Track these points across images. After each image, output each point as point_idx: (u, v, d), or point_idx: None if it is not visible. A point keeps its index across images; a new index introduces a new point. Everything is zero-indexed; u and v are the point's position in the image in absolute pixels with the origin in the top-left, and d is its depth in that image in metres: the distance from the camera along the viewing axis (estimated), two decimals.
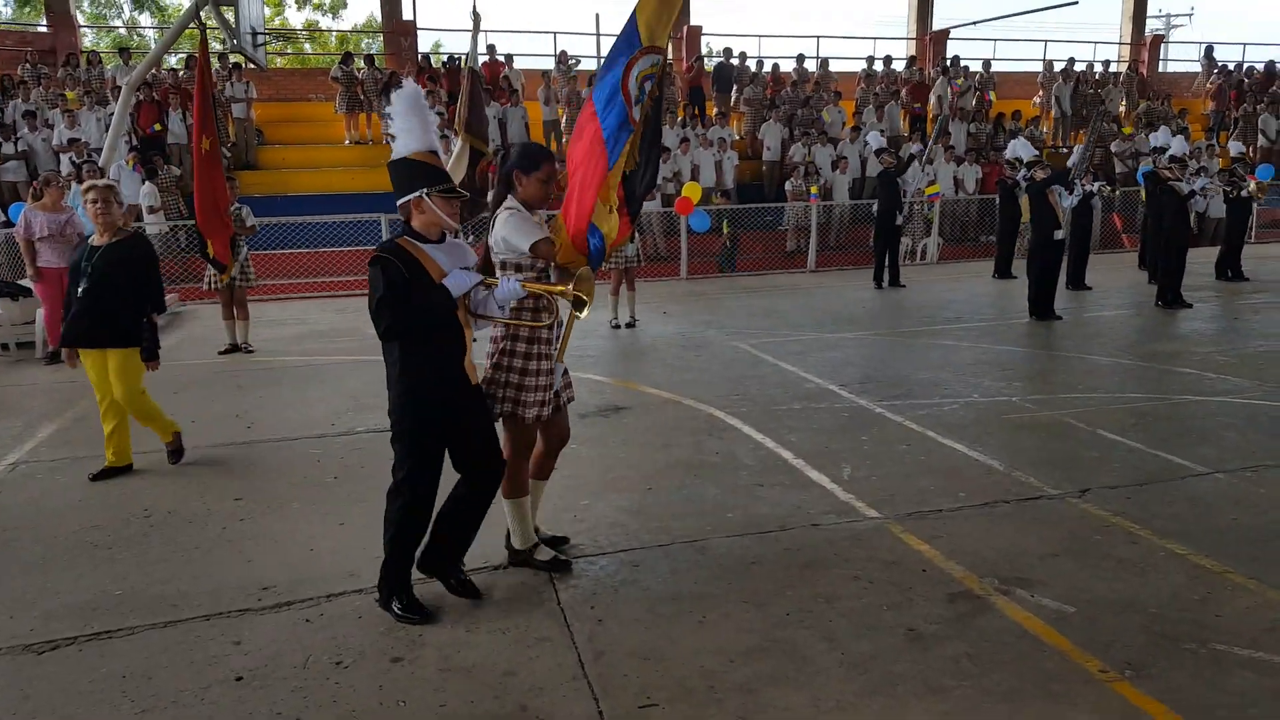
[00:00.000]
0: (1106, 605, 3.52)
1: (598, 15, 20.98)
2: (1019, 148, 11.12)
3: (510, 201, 3.67)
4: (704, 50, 21.05)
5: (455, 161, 8.49)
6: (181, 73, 16.65)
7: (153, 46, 20.50)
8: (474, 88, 8.51)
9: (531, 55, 20.42)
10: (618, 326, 9.48)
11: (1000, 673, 3.08)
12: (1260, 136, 18.79)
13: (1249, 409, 6.13)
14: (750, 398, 6.59)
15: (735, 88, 18.85)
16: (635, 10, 4.01)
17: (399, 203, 3.37)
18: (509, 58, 18.02)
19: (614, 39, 4.05)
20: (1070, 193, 9.57)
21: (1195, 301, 10.10)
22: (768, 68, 19.37)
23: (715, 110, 18.29)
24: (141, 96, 14.13)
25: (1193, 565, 3.85)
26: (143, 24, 30.62)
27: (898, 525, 4.33)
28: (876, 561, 3.95)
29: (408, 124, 3.34)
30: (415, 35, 19.17)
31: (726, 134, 16.92)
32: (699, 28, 21.30)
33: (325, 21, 33.03)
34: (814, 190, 14.87)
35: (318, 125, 17.55)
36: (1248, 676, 3.03)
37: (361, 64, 17.31)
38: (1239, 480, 4.80)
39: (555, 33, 20.64)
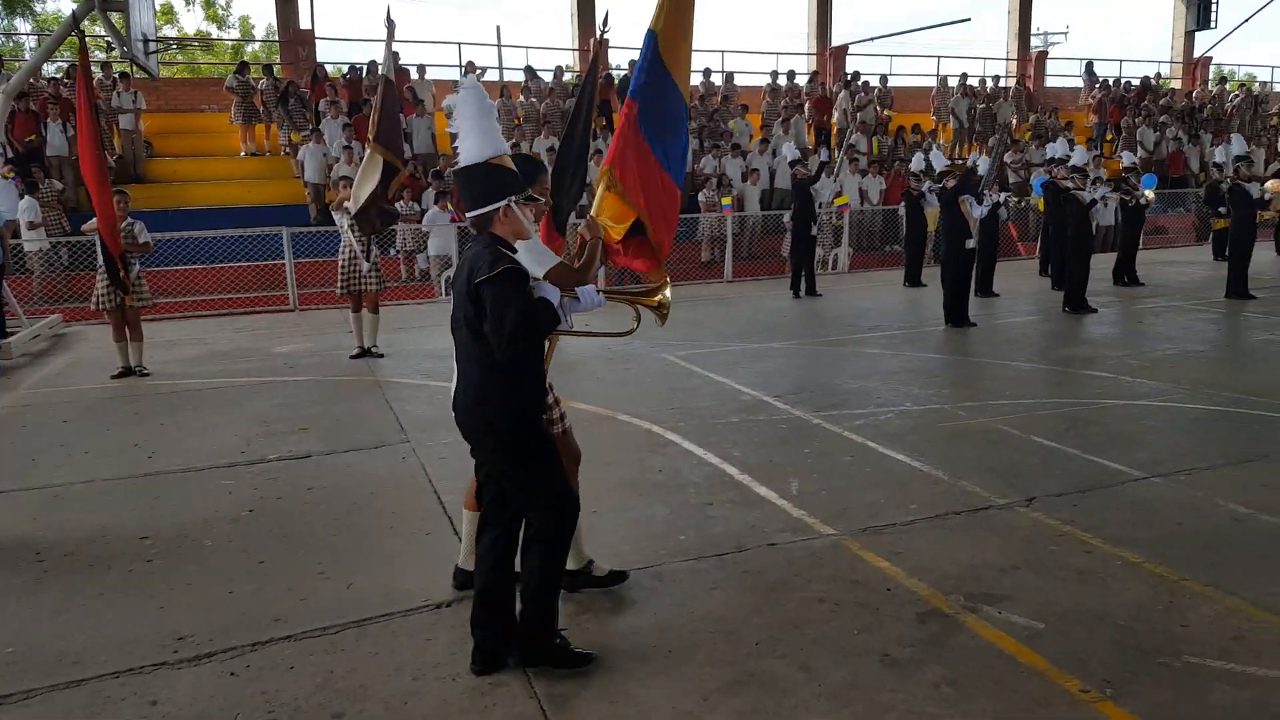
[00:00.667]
0: (1075, 620, 3.46)
1: (499, 28, 20.77)
2: (934, 159, 11.33)
3: None
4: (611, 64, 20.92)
5: (364, 175, 8.11)
6: (63, 82, 15.61)
7: (29, 54, 19.21)
8: (387, 98, 8.13)
9: (438, 66, 19.92)
10: None
11: (984, 698, 2.97)
12: (1139, 148, 19.76)
13: (1169, 411, 6.28)
14: (686, 411, 6.43)
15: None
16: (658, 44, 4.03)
17: (478, 213, 3.06)
18: (420, 68, 17.56)
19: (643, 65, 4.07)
20: (980, 203, 9.77)
21: (1098, 306, 10.43)
22: None
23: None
24: (18, 107, 13.15)
25: (1150, 574, 3.83)
26: (20, 31, 28.81)
27: (854, 542, 4.22)
28: (840, 581, 3.82)
29: (482, 126, 3.06)
30: (313, 44, 18.48)
31: None
32: (606, 40, 21.17)
33: (219, 31, 31.74)
34: (727, 201, 14.90)
35: (212, 137, 16.71)
36: (1226, 690, 2.99)
37: (259, 73, 16.58)
38: (1175, 484, 4.86)
39: (460, 43, 20.29)
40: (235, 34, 32.61)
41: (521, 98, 17.20)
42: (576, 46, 21.54)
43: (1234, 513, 4.45)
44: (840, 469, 5.21)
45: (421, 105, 16.17)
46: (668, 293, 3.34)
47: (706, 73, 19.79)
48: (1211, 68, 26.50)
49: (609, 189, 4.05)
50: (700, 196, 15.64)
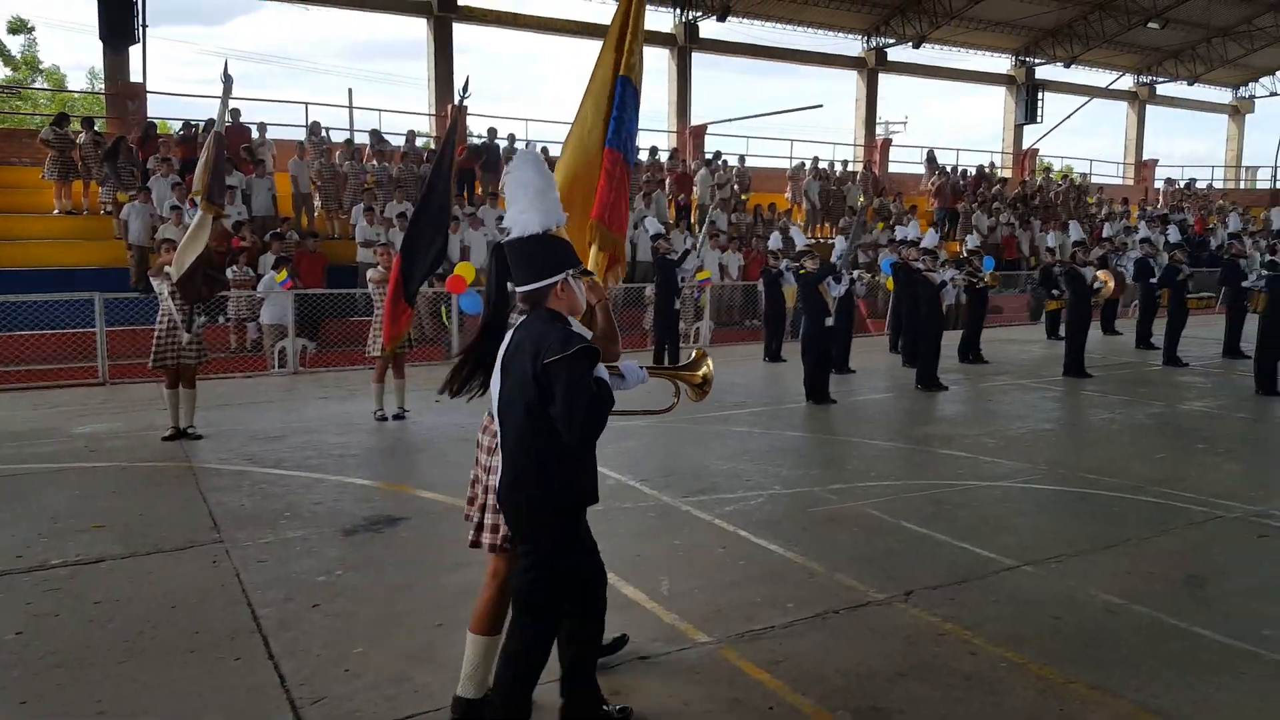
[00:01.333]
0: None
1: (350, 90, 20.23)
2: (795, 237, 11.44)
3: None
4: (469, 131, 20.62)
5: (190, 237, 7.37)
6: None
7: None
8: (218, 153, 7.49)
9: (283, 125, 19.06)
10: (384, 419, 8.55)
11: None
12: (975, 232, 20.90)
13: (1029, 493, 6.28)
14: None
15: (505, 169, 18.51)
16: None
17: (535, 286, 2.90)
18: (261, 126, 16.69)
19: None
20: (838, 282, 9.87)
21: (949, 384, 10.65)
22: (537, 150, 19.23)
23: (482, 190, 17.85)
24: None
25: (1036, 677, 3.62)
26: None
27: (732, 650, 3.84)
28: (719, 702, 3.42)
29: (543, 196, 2.93)
30: (144, 98, 17.28)
31: (499, 214, 16.47)
32: (465, 108, 20.91)
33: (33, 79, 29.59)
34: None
35: (20, 192, 15.19)
36: None
37: (79, 126, 15.30)
38: (1048, 573, 4.75)
39: (307, 103, 19.54)
40: (44, 83, 30.53)
41: (374, 162, 16.57)
42: (433, 112, 21.17)
43: (1108, 604, 4.34)
44: (712, 562, 4.85)
45: (262, 165, 15.32)
46: (710, 365, 3.20)
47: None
48: (1037, 159, 28.65)
49: (601, 247, 3.95)
50: None
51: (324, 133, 17.03)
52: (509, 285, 3.09)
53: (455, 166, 17.86)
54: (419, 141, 17.73)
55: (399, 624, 4.09)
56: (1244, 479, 6.54)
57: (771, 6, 23.84)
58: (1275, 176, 32.11)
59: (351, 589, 4.46)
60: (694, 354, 3.20)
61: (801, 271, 10.16)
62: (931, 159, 24.46)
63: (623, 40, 4.18)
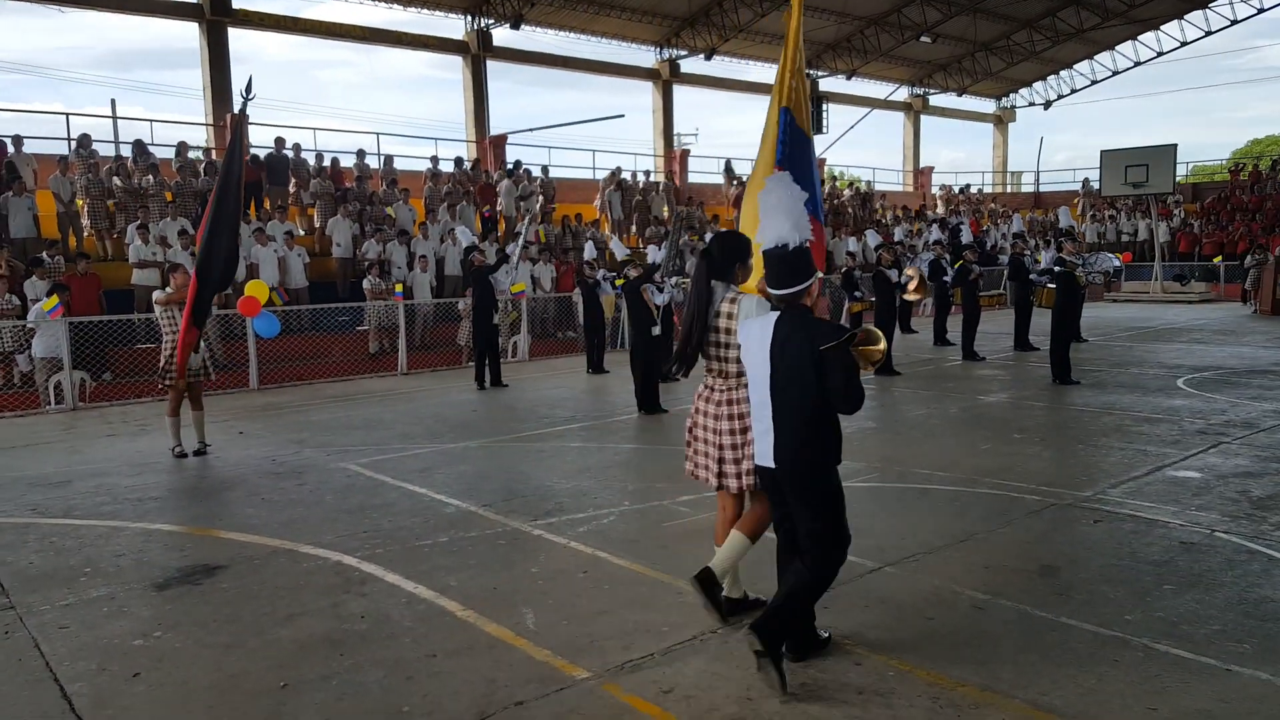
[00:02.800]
0: None
1: (114, 100, 18.29)
2: (615, 248, 11.30)
3: (731, 291, 3.90)
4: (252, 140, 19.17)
5: None
6: None
7: None
8: None
9: (41, 139, 17.01)
10: (183, 455, 7.64)
11: None
12: None
13: (873, 492, 6.37)
14: (384, 534, 5.42)
15: (293, 180, 17.37)
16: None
17: (792, 290, 3.50)
18: (17, 139, 14.73)
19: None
20: (661, 291, 9.81)
21: None
22: (327, 161, 18.16)
23: (270, 204, 16.63)
24: None
25: (927, 684, 3.55)
26: None
27: (615, 684, 3.55)
28: None
29: (795, 212, 3.52)
30: None
31: (289, 229, 15.37)
32: (247, 115, 19.43)
33: None
34: (399, 288, 13.92)
35: None
36: None
37: None
38: (910, 573, 4.76)
39: (68, 114, 17.52)
40: None
41: (150, 177, 15.01)
42: (210, 122, 19.60)
43: (974, 600, 4.37)
44: (576, 589, 4.53)
45: (20, 182, 13.55)
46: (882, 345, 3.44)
47: (360, 154, 18.79)
48: (825, 168, 30.21)
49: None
50: (365, 283, 14.51)
51: (90, 145, 15.28)
52: (712, 283, 3.88)
53: (244, 179, 16.67)
54: (191, 154, 16.23)
55: (237, 688, 3.51)
56: (1064, 466, 6.93)
57: (565, 16, 23.85)
58: (1037, 180, 35.55)
59: (175, 652, 3.82)
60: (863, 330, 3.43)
61: (620, 282, 10.03)
62: (729, 169, 25.23)
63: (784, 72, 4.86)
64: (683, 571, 4.70)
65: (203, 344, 7.69)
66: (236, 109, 7.67)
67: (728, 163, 25.55)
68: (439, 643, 3.91)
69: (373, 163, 19.18)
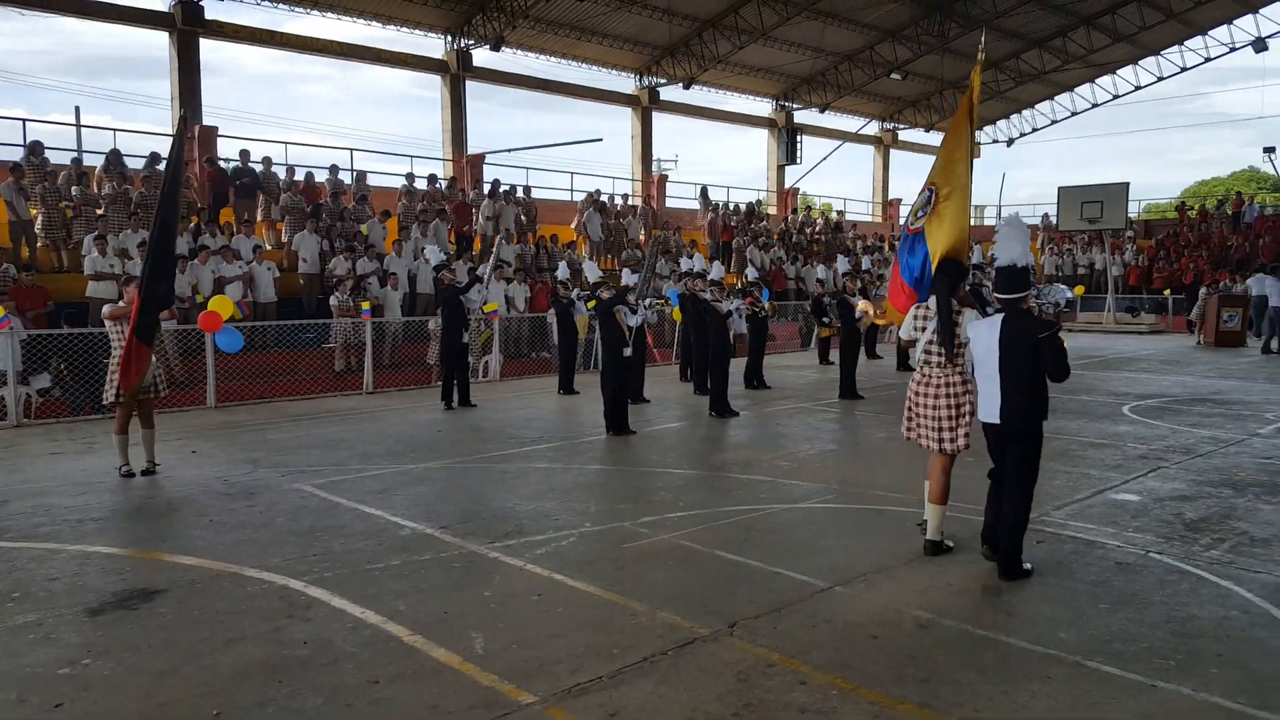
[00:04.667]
0: None
1: (78, 108, 18.15)
2: (589, 270, 11.32)
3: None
4: (220, 153, 19.08)
5: None
6: None
7: None
8: None
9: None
10: (130, 474, 7.50)
11: None
12: (750, 265, 21.84)
13: (829, 513, 6.40)
14: (333, 557, 5.36)
15: (262, 194, 17.28)
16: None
17: (1016, 296, 4.92)
18: None
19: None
20: (634, 312, 9.84)
21: (739, 410, 10.88)
22: (299, 175, 18.08)
23: (236, 218, 16.51)
24: None
25: (868, 702, 3.57)
26: None
27: (561, 708, 3.52)
28: None
29: (1024, 241, 5.07)
30: None
31: (255, 243, 15.26)
32: (214, 128, 19.40)
33: None
34: (366, 306, 13.84)
35: None
36: None
37: None
38: (859, 592, 4.78)
39: (25, 119, 17.32)
40: None
41: (112, 185, 14.88)
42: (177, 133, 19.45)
43: (919, 619, 4.41)
44: (529, 613, 4.50)
45: None
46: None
47: (334, 170, 18.73)
48: (799, 197, 30.52)
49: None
50: (332, 300, 14.42)
51: (44, 153, 15.02)
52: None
53: (209, 191, 16.57)
54: (160, 166, 16.11)
55: (166, 717, 3.46)
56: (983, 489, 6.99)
57: (546, 40, 24.00)
58: (999, 215, 36.01)
59: (103, 681, 3.74)
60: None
61: (593, 304, 10.05)
62: (705, 195, 25.40)
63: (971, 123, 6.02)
64: (638, 593, 4.70)
65: (154, 359, 7.56)
66: (178, 124, 7.58)
67: (703, 188, 25.74)
68: (382, 669, 3.86)
69: (346, 178, 19.13)
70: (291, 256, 16.21)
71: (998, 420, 4.90)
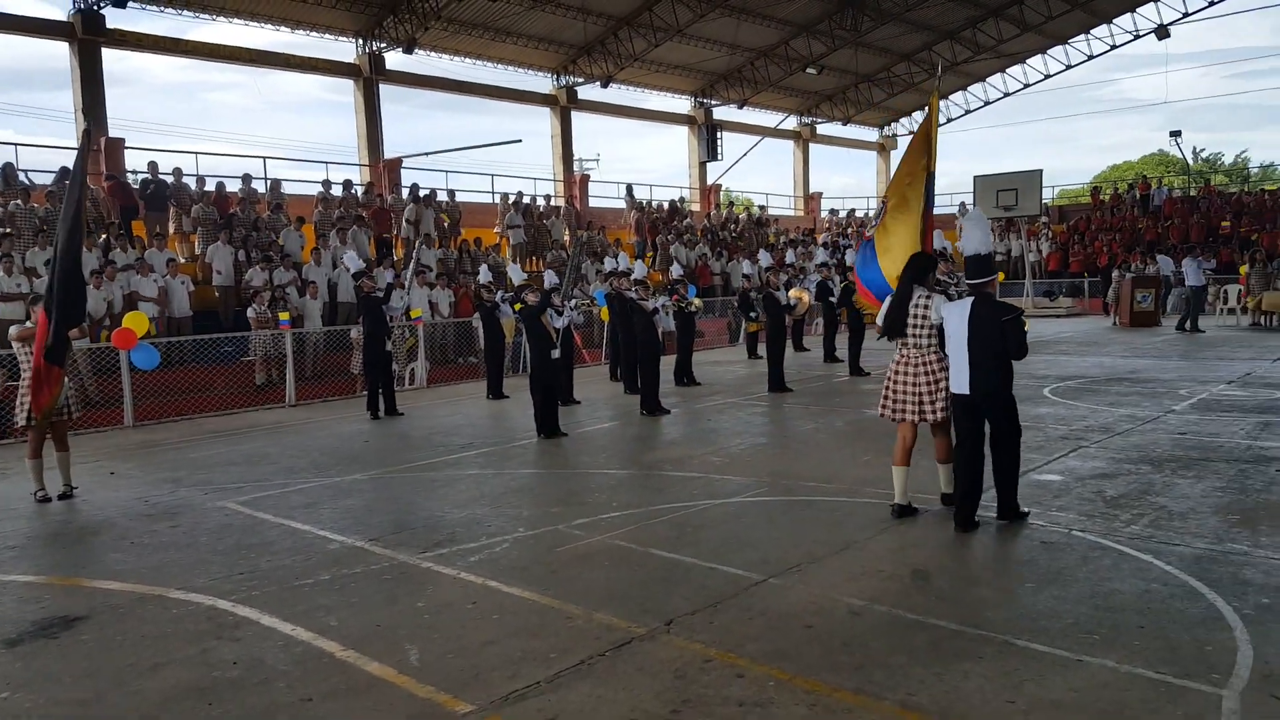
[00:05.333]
0: None
1: None
2: (513, 272, 11.25)
3: (923, 291, 5.94)
4: (128, 166, 18.43)
5: None
6: None
7: None
8: None
9: None
10: (47, 499, 7.23)
11: None
12: (675, 262, 21.97)
13: (760, 506, 6.49)
14: (261, 575, 5.23)
15: (173, 206, 16.75)
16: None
17: (984, 280, 5.55)
18: None
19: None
20: (560, 314, 9.81)
21: (670, 407, 10.94)
22: (210, 186, 17.58)
23: (148, 232, 15.98)
24: None
25: (805, 691, 3.63)
26: None
27: (498, 717, 3.51)
28: None
29: (986, 231, 5.77)
30: None
31: (169, 257, 14.79)
32: (121, 140, 18.75)
33: None
34: (285, 317, 13.53)
35: None
36: None
37: None
38: (793, 583, 4.86)
39: None
40: None
41: (18, 202, 14.26)
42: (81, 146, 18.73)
43: (851, 606, 4.49)
44: (463, 621, 4.46)
45: None
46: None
47: (246, 179, 18.26)
48: (721, 193, 30.80)
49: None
50: (250, 312, 14.07)
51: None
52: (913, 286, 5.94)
53: (118, 205, 15.99)
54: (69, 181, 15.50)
55: None
56: (938, 474, 7.17)
57: (460, 41, 23.76)
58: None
59: (24, 714, 3.60)
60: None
61: (518, 306, 10.00)
62: (631, 194, 25.46)
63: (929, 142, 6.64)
64: (574, 596, 4.70)
65: (66, 380, 7.29)
66: (81, 137, 7.30)
67: (629, 187, 25.80)
68: (315, 686, 3.79)
69: (260, 187, 18.66)
70: (206, 269, 15.77)
71: (967, 391, 5.50)
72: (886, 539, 5.55)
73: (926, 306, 5.87)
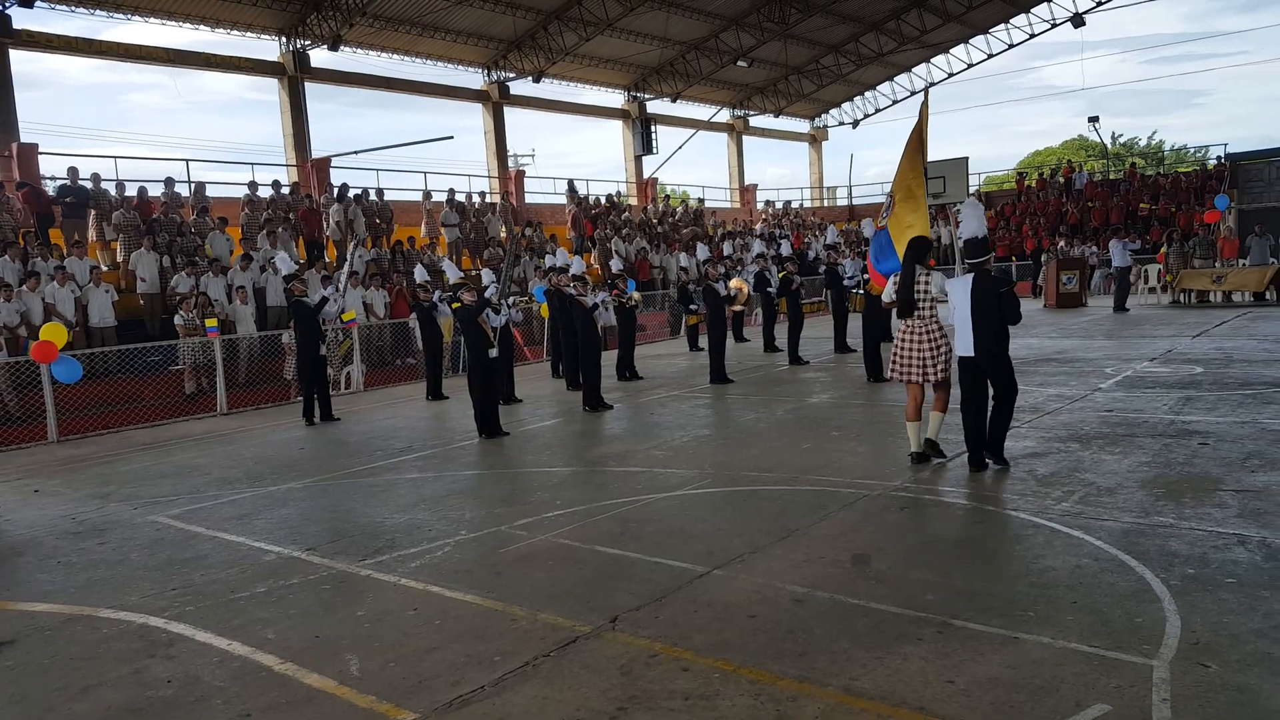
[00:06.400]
0: None
1: None
2: (448, 270, 11.10)
3: (924, 270, 6.98)
4: (44, 171, 17.74)
5: None
6: None
7: None
8: None
9: None
10: None
11: None
12: (614, 257, 21.94)
13: (705, 499, 6.51)
14: (195, 590, 5.09)
15: (93, 213, 16.20)
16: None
17: (981, 259, 6.51)
18: None
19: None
20: (497, 313, 9.72)
21: (612, 403, 10.93)
22: (132, 190, 17.03)
23: (66, 238, 15.43)
24: None
25: (749, 682, 3.65)
26: None
27: None
28: None
29: (981, 217, 6.79)
30: None
31: (90, 265, 14.30)
32: (35, 145, 18.03)
33: None
34: (212, 324, 13.17)
35: None
36: None
37: None
38: (736, 574, 4.89)
39: None
40: None
41: None
42: None
43: (794, 594, 4.54)
44: (405, 628, 4.39)
45: None
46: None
47: (169, 182, 17.73)
48: (657, 187, 30.82)
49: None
50: (177, 320, 13.68)
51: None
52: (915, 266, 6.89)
53: (32, 213, 15.39)
54: None
55: None
56: (875, 459, 7.32)
57: (387, 38, 23.36)
58: (850, 194, 37.48)
59: None
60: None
61: (455, 305, 9.89)
62: (572, 188, 25.32)
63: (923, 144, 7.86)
64: (518, 597, 4.66)
65: None
66: None
67: (570, 182, 25.65)
68: (253, 701, 3.70)
69: (183, 190, 18.13)
70: (129, 276, 15.27)
71: (972, 354, 6.39)
72: (827, 526, 5.61)
73: (926, 282, 6.82)
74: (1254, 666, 3.48)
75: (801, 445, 8.00)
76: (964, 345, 6.42)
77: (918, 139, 7.80)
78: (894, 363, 6.97)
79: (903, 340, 6.91)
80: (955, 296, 6.52)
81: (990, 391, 6.47)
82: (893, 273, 7.36)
